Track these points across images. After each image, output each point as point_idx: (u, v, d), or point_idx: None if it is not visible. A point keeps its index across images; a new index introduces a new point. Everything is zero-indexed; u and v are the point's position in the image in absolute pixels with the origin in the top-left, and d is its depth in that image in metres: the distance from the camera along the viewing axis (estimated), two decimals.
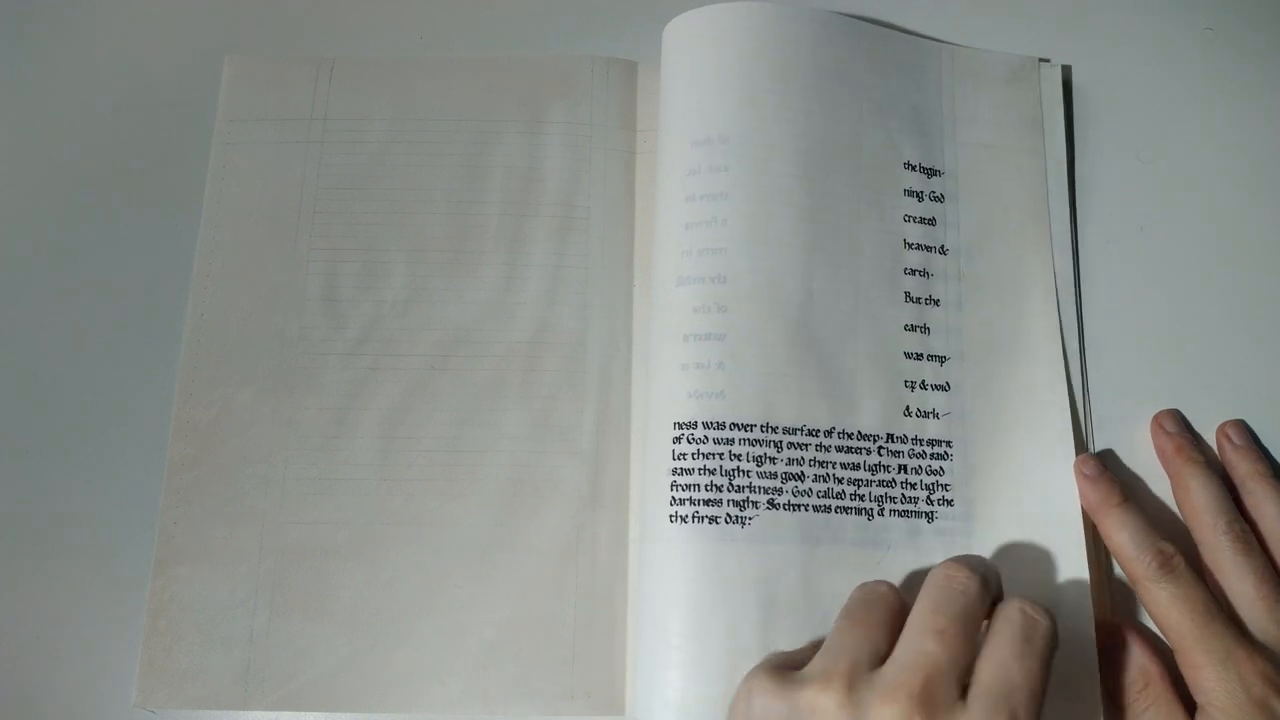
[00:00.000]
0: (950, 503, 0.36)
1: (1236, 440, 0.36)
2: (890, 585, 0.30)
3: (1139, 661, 0.33)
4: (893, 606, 0.30)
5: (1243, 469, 0.36)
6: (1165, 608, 0.32)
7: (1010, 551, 0.35)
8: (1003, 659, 0.27)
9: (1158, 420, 0.37)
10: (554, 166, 0.40)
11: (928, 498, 0.36)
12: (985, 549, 0.35)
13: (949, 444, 0.36)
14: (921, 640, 0.27)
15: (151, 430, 0.38)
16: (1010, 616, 0.28)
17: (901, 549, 0.35)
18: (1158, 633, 0.33)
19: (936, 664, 0.27)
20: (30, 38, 0.43)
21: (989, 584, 0.29)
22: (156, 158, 0.41)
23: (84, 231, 0.40)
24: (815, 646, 0.29)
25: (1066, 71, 0.42)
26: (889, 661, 0.27)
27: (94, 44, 0.43)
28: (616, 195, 0.40)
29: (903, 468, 0.36)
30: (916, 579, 0.34)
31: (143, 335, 0.39)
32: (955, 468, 0.36)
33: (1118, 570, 0.36)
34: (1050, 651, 0.28)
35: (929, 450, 0.36)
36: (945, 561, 0.30)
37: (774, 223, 0.36)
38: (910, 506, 0.35)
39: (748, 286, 0.36)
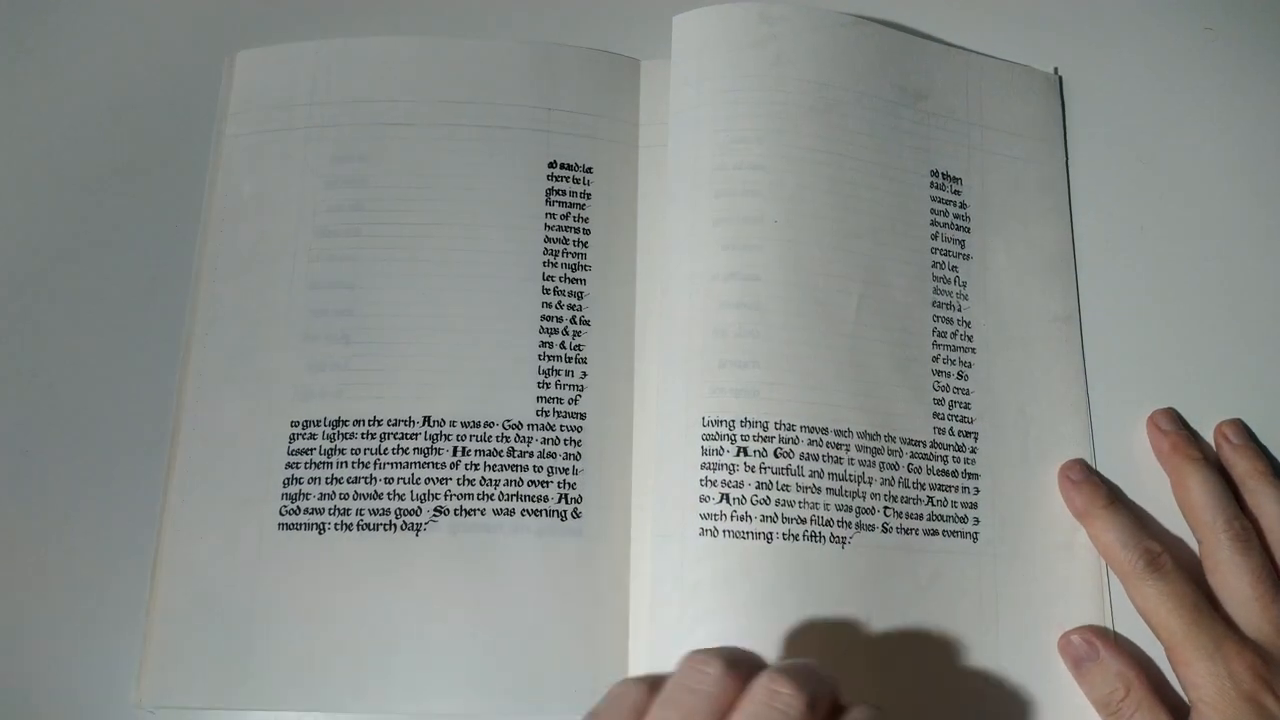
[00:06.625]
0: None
1: (1234, 439, 0.37)
2: (637, 684, 0.26)
3: (1115, 668, 0.33)
4: (638, 707, 0.25)
5: (1242, 467, 0.36)
6: (1154, 605, 0.32)
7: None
8: None
9: (1153, 419, 0.37)
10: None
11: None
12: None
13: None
14: None
15: (151, 430, 0.38)
16: (754, 696, 0.24)
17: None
18: (1144, 639, 0.33)
19: None
20: (30, 38, 0.43)
21: (819, 699, 0.25)
22: (157, 158, 0.41)
23: (84, 231, 0.40)
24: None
25: (1069, 72, 0.42)
26: None
27: (94, 44, 0.43)
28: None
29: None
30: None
31: (143, 335, 0.39)
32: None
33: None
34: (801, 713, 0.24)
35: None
36: (767, 671, 0.25)
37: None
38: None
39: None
